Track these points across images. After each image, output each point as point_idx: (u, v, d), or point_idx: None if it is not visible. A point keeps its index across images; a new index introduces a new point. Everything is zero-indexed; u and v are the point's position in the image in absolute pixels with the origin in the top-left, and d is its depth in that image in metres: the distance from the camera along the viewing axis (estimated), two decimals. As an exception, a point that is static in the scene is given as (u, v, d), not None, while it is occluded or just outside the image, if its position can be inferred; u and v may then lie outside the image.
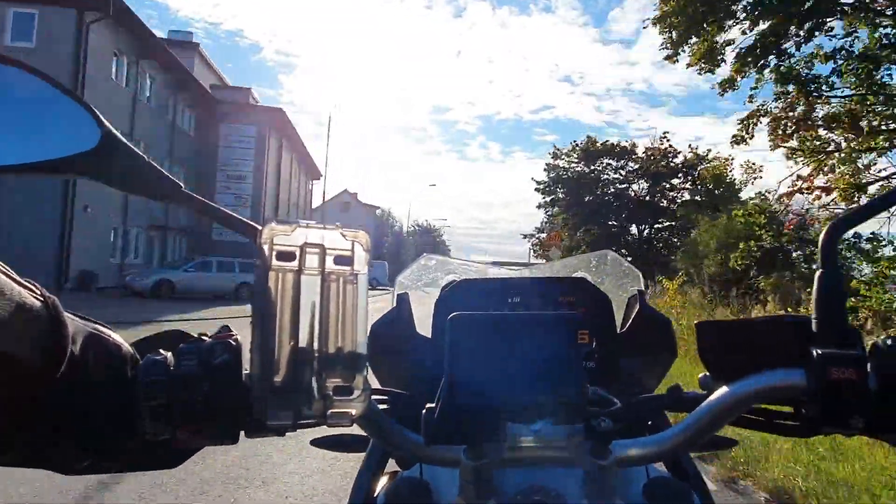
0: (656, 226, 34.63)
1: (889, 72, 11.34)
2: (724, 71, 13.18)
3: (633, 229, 34.68)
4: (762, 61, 12.53)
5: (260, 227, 0.47)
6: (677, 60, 13.38)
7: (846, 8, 11.41)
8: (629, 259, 1.29)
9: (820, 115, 12.50)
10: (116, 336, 0.49)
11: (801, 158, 13.24)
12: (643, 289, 0.95)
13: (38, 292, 0.40)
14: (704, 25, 12.59)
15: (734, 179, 27.75)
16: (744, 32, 12.63)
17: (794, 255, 18.02)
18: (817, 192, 13.51)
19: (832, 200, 12.96)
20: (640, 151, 34.42)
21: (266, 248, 0.46)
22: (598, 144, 34.27)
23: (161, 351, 0.48)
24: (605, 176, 34.78)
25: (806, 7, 11.35)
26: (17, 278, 0.39)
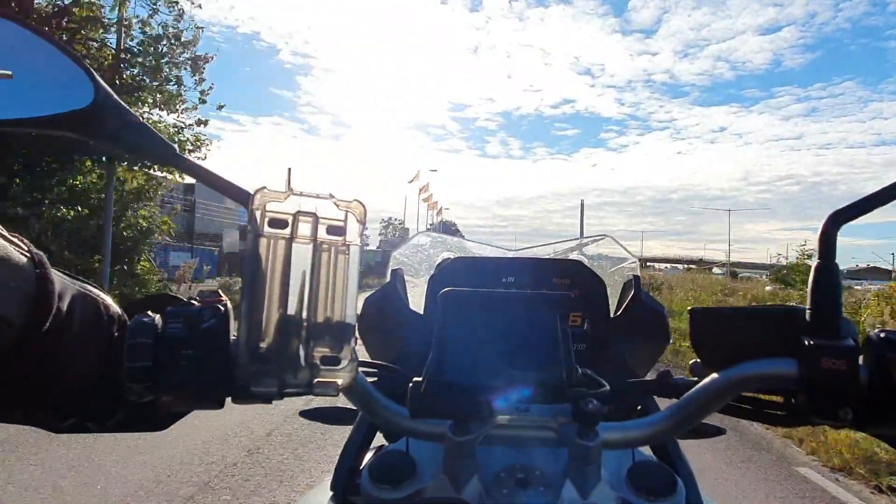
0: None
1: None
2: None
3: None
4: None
5: (252, 193, 0.47)
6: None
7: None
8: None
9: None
10: (105, 296, 0.48)
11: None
12: (639, 274, 0.94)
13: (25, 247, 0.40)
14: None
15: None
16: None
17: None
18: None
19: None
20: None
21: (258, 214, 0.46)
22: None
23: (149, 313, 0.47)
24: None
25: None
26: (4, 233, 0.39)
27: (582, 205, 31.58)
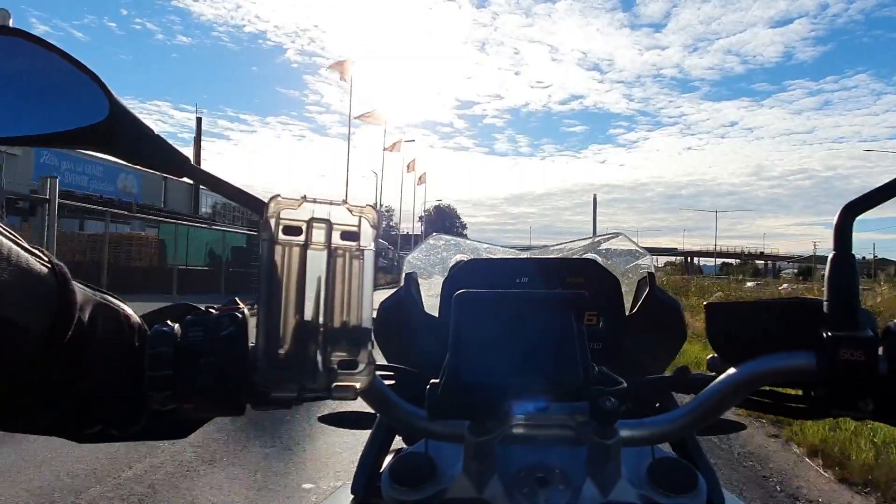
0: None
1: None
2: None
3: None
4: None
5: (266, 201, 0.47)
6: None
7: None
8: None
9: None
10: (125, 307, 0.49)
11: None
12: (653, 271, 0.94)
13: (46, 259, 0.41)
14: None
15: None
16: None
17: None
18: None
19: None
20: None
21: (273, 222, 0.46)
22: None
23: (168, 322, 0.48)
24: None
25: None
26: (25, 244, 0.39)
27: (595, 199, 31.00)
